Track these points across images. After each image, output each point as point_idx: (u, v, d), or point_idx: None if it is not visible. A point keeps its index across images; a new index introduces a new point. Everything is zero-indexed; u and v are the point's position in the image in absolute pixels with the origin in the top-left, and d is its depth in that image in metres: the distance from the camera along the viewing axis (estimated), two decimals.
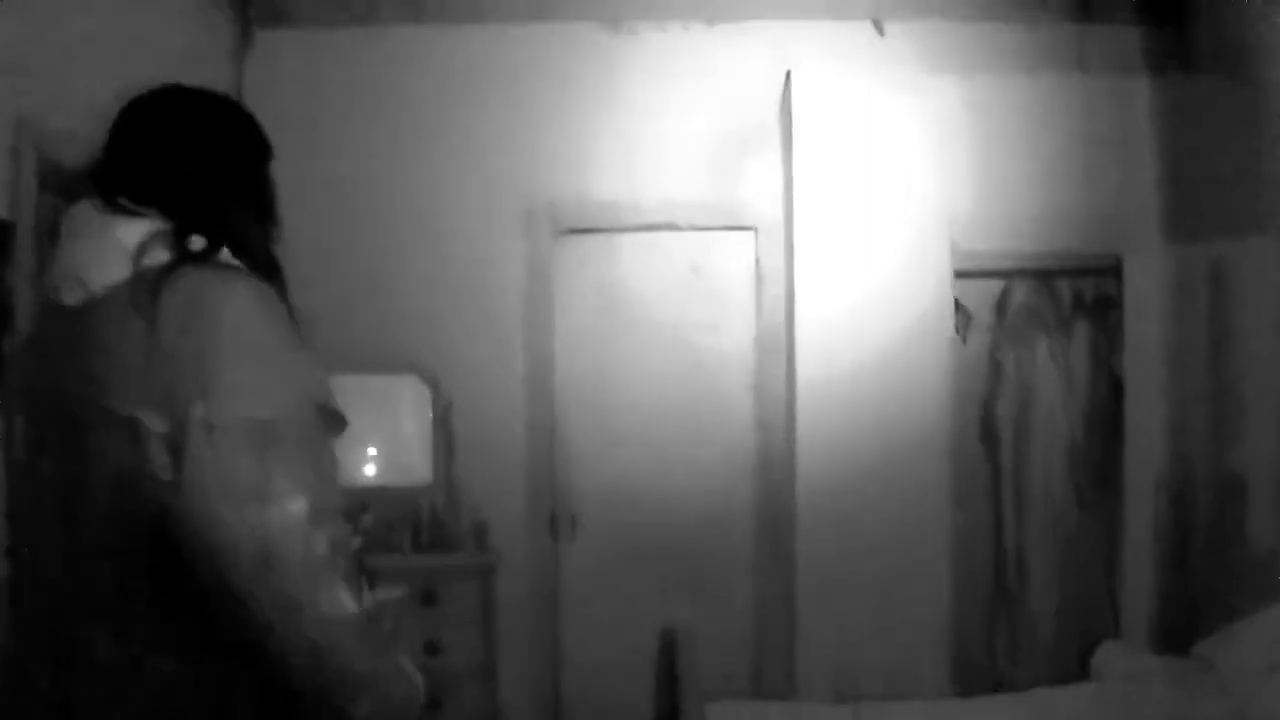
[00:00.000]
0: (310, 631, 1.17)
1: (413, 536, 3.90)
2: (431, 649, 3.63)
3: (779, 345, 4.03)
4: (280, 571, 1.15)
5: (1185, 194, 3.84)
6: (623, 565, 4.11)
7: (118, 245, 1.27)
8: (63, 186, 2.70)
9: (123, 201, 1.31)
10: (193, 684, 1.21)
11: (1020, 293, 4.02)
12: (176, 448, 1.17)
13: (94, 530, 1.23)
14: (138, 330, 1.20)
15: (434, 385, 4.00)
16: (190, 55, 3.70)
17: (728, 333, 4.14)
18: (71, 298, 1.30)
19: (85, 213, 1.32)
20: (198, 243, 1.29)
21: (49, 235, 2.55)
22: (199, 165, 1.37)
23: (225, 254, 1.31)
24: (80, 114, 2.76)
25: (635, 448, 4.12)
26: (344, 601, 1.19)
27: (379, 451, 4.00)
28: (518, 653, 3.99)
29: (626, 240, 4.11)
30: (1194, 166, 3.81)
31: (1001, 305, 4.07)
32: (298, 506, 1.17)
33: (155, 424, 1.18)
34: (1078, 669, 3.66)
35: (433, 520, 3.94)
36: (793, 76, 3.90)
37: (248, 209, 1.40)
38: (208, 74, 3.79)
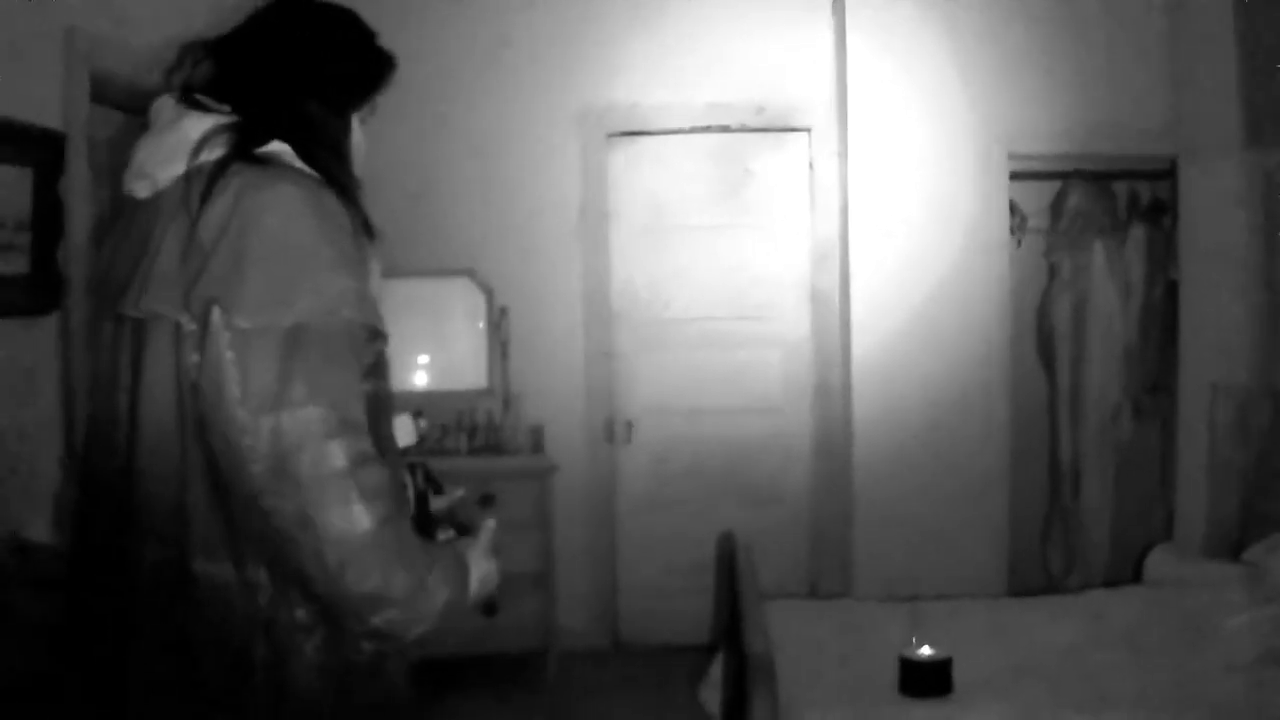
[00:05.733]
0: (322, 546, 1.12)
1: (468, 439, 3.88)
2: None
3: (833, 248, 4.00)
4: (292, 481, 1.11)
5: (1243, 100, 3.80)
6: (679, 471, 4.10)
7: (183, 139, 1.25)
8: (116, 98, 2.69)
9: (200, 98, 1.28)
10: (246, 593, 1.19)
11: (1075, 195, 3.99)
12: (203, 348, 1.15)
13: (153, 433, 1.21)
14: (182, 228, 1.19)
15: (488, 289, 3.96)
16: None
17: (781, 235, 4.09)
18: (142, 191, 1.29)
19: (163, 107, 1.31)
20: (258, 139, 1.25)
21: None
22: (323, 66, 1.36)
23: (289, 154, 1.27)
24: (131, 25, 2.73)
25: (690, 351, 4.09)
26: (358, 518, 1.12)
27: (433, 355, 3.98)
28: (575, 557, 3.97)
29: (679, 143, 4.07)
30: (1253, 73, 3.77)
31: (1056, 208, 4.04)
32: (315, 415, 1.12)
33: (188, 323, 1.16)
34: (1130, 574, 3.66)
35: (489, 424, 3.91)
36: None
37: (343, 121, 1.38)
38: None
